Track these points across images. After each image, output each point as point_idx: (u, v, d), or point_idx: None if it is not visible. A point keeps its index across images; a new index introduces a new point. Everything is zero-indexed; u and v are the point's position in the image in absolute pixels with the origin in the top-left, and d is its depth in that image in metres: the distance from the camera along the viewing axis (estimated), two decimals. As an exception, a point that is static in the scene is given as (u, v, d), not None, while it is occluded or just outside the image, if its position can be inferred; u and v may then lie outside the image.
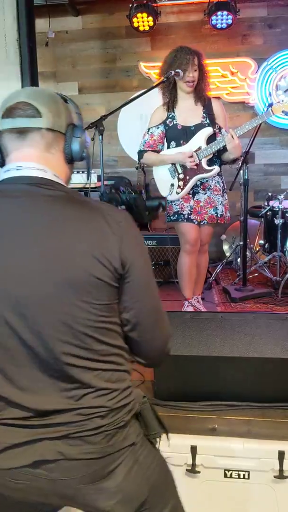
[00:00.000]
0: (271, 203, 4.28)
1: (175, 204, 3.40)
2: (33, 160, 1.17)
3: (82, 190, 2.92)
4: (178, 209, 3.39)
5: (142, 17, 4.96)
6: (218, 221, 3.42)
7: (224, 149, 3.32)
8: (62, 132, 1.21)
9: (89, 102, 5.77)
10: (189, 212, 3.37)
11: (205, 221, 3.39)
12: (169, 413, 2.09)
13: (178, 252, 4.48)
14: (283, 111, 3.53)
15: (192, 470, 1.99)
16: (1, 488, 1.19)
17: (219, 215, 3.40)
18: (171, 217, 3.43)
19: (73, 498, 1.20)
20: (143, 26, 5.03)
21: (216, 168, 3.36)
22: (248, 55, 5.39)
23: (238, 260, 4.66)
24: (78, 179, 2.84)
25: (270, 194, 4.42)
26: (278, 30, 5.38)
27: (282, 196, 4.26)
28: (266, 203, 4.37)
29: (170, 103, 3.38)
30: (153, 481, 1.25)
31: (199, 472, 1.99)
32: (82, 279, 1.10)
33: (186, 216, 3.37)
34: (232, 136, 3.20)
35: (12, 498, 1.20)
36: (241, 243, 4.27)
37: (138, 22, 5.00)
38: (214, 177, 3.39)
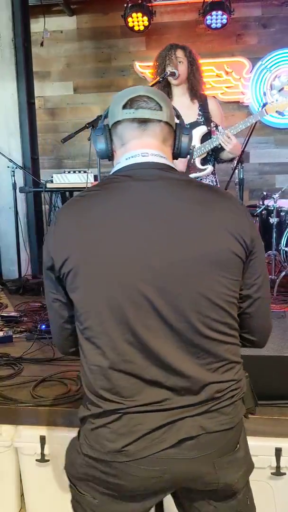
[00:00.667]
0: (266, 202, 4.29)
1: None
2: (156, 148, 1.25)
3: (79, 190, 2.95)
4: None
5: (137, 17, 4.96)
6: None
7: (221, 148, 3.32)
8: (173, 128, 1.30)
9: (84, 102, 5.78)
10: None
11: None
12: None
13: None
14: (277, 111, 3.53)
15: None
16: (124, 479, 1.20)
17: None
18: None
19: (202, 477, 1.22)
20: (138, 26, 5.04)
21: (209, 168, 3.36)
22: (242, 55, 5.41)
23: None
24: (75, 179, 2.86)
25: (265, 193, 4.44)
26: (273, 29, 5.41)
27: (277, 195, 4.28)
28: (261, 202, 4.38)
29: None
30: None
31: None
32: (223, 254, 1.16)
33: None
34: (229, 137, 3.20)
35: (130, 487, 1.21)
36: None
37: (133, 22, 5.01)
38: (208, 176, 3.39)
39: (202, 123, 3.33)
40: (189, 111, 3.34)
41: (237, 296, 1.22)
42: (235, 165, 3.97)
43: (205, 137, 3.32)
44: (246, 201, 5.01)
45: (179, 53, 3.25)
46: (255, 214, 4.43)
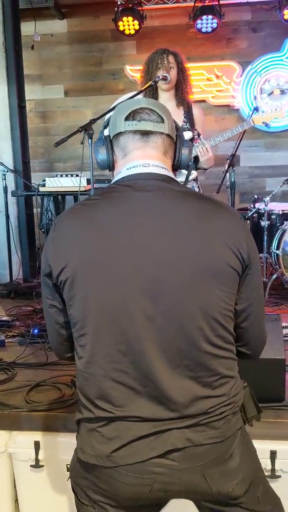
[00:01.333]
0: (257, 205, 4.32)
1: None
2: (157, 159, 1.27)
3: (72, 194, 2.95)
4: None
5: (128, 21, 4.97)
6: None
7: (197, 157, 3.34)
8: (174, 140, 1.33)
9: (76, 105, 5.78)
10: None
11: None
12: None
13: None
14: (263, 122, 3.57)
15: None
16: (115, 486, 1.19)
17: None
18: None
19: (196, 486, 1.22)
20: (129, 29, 5.05)
21: (194, 173, 3.38)
22: (232, 59, 5.44)
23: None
24: (67, 183, 2.86)
25: (256, 196, 4.46)
26: (262, 33, 5.45)
27: (268, 198, 4.31)
28: (252, 205, 4.40)
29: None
30: (255, 461, 1.34)
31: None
32: (220, 267, 1.16)
33: None
34: (206, 149, 3.21)
35: (123, 496, 1.21)
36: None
37: (123, 25, 5.01)
38: (189, 182, 3.40)
39: (187, 129, 3.35)
40: (174, 117, 3.31)
41: (232, 310, 1.22)
42: (226, 169, 3.99)
43: None
44: (237, 204, 5.03)
45: (171, 59, 3.27)
46: (246, 217, 4.45)
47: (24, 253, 4.64)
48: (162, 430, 1.17)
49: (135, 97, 1.33)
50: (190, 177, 3.36)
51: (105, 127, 1.37)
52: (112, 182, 1.29)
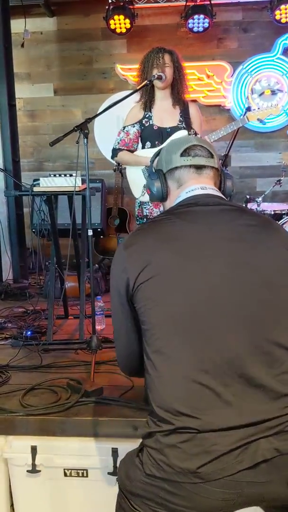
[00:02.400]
0: (249, 205, 4.33)
1: (145, 208, 3.41)
2: (211, 185, 1.47)
3: (67, 193, 2.91)
4: (148, 214, 3.39)
5: (119, 19, 4.94)
6: None
7: None
8: (219, 173, 1.52)
9: (65, 104, 5.73)
10: None
11: None
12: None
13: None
14: (258, 119, 3.56)
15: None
16: (197, 501, 1.19)
17: None
18: (141, 220, 3.45)
19: (279, 495, 1.22)
20: (120, 28, 5.02)
21: None
22: (223, 59, 5.43)
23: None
24: (62, 182, 2.82)
25: (248, 196, 4.48)
26: (253, 34, 5.45)
27: (260, 199, 4.32)
28: (244, 206, 4.41)
29: (148, 103, 3.37)
30: None
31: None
32: (277, 280, 1.28)
33: None
34: None
35: (203, 510, 1.22)
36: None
37: (115, 24, 4.98)
38: None
39: (182, 128, 3.33)
40: (170, 116, 3.35)
41: None
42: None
43: None
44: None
45: (167, 58, 3.25)
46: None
47: (14, 253, 4.58)
48: (249, 441, 1.18)
49: (185, 135, 1.71)
50: None
51: (152, 162, 1.60)
52: (172, 206, 1.45)
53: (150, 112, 3.37)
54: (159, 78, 3.19)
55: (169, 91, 3.35)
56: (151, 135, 3.36)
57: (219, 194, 1.44)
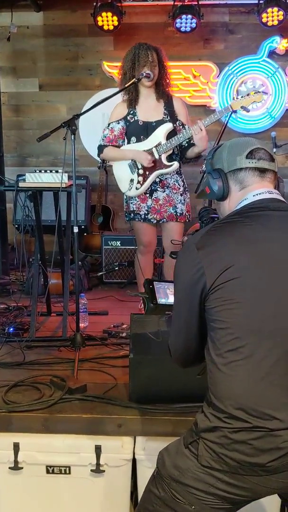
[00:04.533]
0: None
1: (132, 203, 3.42)
2: (275, 190, 1.51)
3: (53, 190, 2.89)
4: (135, 209, 3.40)
5: (107, 16, 4.92)
6: (178, 220, 3.43)
7: (187, 146, 3.35)
8: (276, 177, 1.55)
9: (51, 100, 5.68)
10: (146, 212, 3.39)
11: (164, 220, 3.41)
12: (145, 416, 2.09)
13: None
14: (241, 107, 3.57)
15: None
16: (257, 491, 1.33)
17: (178, 214, 3.41)
18: (129, 216, 3.46)
19: None
20: (108, 25, 5.00)
21: (175, 164, 3.38)
22: (210, 59, 5.45)
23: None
24: (48, 179, 2.80)
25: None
26: (239, 36, 5.48)
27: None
28: None
29: (133, 100, 3.38)
30: None
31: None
32: None
33: (142, 216, 3.40)
34: (200, 127, 3.22)
35: (259, 497, 1.37)
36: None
37: (102, 21, 4.96)
38: (173, 175, 3.41)
39: (167, 120, 3.36)
40: (155, 111, 3.39)
41: None
42: (204, 169, 3.99)
43: (171, 135, 3.35)
44: (213, 204, 5.05)
45: (154, 56, 3.27)
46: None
47: (-4, 249, 4.54)
48: None
49: (245, 137, 1.63)
50: (173, 167, 3.37)
51: (208, 159, 1.59)
52: (238, 208, 1.47)
53: (135, 108, 3.39)
54: (147, 76, 3.19)
55: (154, 87, 3.38)
56: (136, 130, 3.38)
57: (282, 198, 1.49)
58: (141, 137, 3.36)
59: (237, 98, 3.54)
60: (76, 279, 2.84)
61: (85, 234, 4.99)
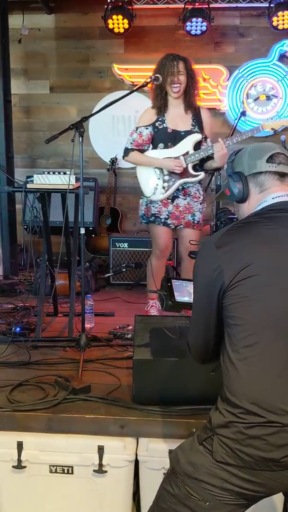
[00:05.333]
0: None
1: (153, 207, 3.43)
2: None
3: (61, 191, 2.92)
4: (156, 212, 3.42)
5: (118, 19, 4.95)
6: (194, 227, 3.46)
7: (207, 158, 3.39)
8: None
9: (61, 102, 5.72)
10: (166, 217, 3.41)
11: (182, 226, 3.44)
12: (148, 417, 2.09)
13: (149, 255, 4.50)
14: (272, 129, 3.64)
15: (170, 474, 2.01)
16: (270, 486, 1.36)
17: (195, 221, 3.45)
18: (149, 219, 3.47)
19: None
20: (118, 28, 5.02)
21: (202, 174, 3.45)
22: (220, 62, 5.46)
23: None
24: (56, 180, 2.82)
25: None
26: (250, 39, 5.48)
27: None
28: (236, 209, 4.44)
29: (161, 107, 3.41)
30: None
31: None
32: None
33: (162, 220, 3.42)
34: (221, 146, 3.28)
35: (272, 492, 1.40)
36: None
37: (113, 24, 4.99)
38: (195, 184, 3.46)
39: (196, 131, 3.41)
40: (183, 121, 3.43)
41: None
42: (212, 173, 4.01)
43: (197, 146, 3.39)
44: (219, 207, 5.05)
45: (181, 65, 3.32)
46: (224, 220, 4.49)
47: (5, 249, 4.58)
48: None
49: (266, 142, 1.66)
50: (199, 177, 3.44)
51: (230, 163, 1.64)
52: (258, 209, 1.51)
53: (163, 116, 3.42)
54: (156, 79, 3.21)
55: (182, 97, 3.42)
56: (164, 137, 3.42)
57: None
58: (169, 144, 3.40)
59: (268, 119, 3.60)
60: (83, 280, 2.85)
61: (93, 235, 5.02)
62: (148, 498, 2.08)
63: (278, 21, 4.86)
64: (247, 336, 1.35)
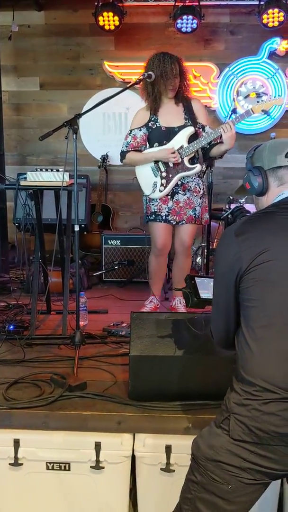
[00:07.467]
0: (232, 206, 4.38)
1: (153, 205, 3.43)
2: None
3: (54, 188, 2.91)
4: (156, 210, 3.42)
5: (108, 16, 4.94)
6: (195, 222, 3.46)
7: (209, 148, 3.38)
8: None
9: (51, 99, 5.70)
10: (167, 214, 3.41)
11: (184, 221, 3.43)
12: (144, 413, 2.10)
13: (141, 252, 4.53)
14: (263, 110, 3.63)
15: (167, 469, 2.02)
16: (285, 462, 1.39)
17: (197, 216, 3.44)
18: (149, 217, 3.47)
19: None
20: (109, 25, 5.02)
21: (198, 166, 3.42)
22: (210, 60, 5.47)
23: (198, 260, 4.75)
24: (49, 177, 2.82)
25: (231, 197, 4.52)
26: (240, 37, 5.50)
27: (243, 200, 4.38)
28: (227, 206, 4.46)
29: (153, 108, 3.41)
30: None
31: (173, 471, 2.02)
32: None
33: (163, 217, 3.41)
34: (229, 126, 3.26)
35: (278, 471, 1.42)
36: (203, 244, 4.37)
37: (104, 21, 4.98)
38: (194, 178, 3.44)
39: (189, 124, 3.39)
40: (176, 116, 3.42)
41: None
42: (204, 169, 4.02)
43: (192, 138, 3.37)
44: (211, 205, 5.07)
45: (176, 68, 3.32)
46: (221, 217, 4.51)
47: (-4, 247, 4.55)
48: None
49: (286, 138, 1.75)
50: (196, 169, 3.42)
51: (249, 158, 1.72)
52: (276, 201, 1.59)
53: (155, 115, 3.41)
54: (149, 77, 3.21)
55: (174, 94, 3.43)
56: (159, 136, 3.41)
57: None
58: (164, 142, 3.40)
59: (258, 102, 3.58)
60: (76, 278, 2.85)
61: (85, 233, 5.01)
62: (144, 493, 2.09)
63: (268, 18, 4.88)
64: (263, 317, 1.42)
